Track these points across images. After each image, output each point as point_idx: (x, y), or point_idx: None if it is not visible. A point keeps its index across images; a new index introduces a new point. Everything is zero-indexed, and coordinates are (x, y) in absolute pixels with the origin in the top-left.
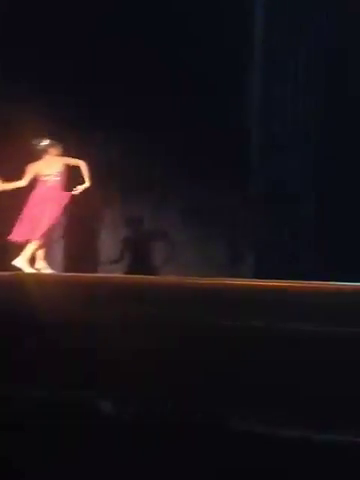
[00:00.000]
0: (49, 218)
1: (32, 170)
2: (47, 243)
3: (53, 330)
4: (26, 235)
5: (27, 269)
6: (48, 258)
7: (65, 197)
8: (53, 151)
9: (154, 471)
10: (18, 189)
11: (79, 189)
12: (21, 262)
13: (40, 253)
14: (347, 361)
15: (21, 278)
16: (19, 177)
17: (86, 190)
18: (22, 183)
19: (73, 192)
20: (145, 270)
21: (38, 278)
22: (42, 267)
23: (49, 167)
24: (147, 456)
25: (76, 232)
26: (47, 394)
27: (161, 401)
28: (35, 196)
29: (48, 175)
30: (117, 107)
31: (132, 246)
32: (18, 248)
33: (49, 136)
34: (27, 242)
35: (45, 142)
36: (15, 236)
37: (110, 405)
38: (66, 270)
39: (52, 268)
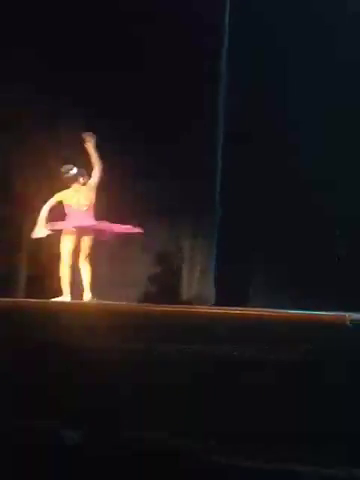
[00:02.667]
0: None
1: (59, 198)
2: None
3: None
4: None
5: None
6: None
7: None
8: (81, 180)
9: None
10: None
11: None
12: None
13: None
14: None
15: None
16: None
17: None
18: (45, 207)
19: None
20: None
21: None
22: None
23: (80, 196)
24: None
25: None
26: None
27: None
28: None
29: (80, 205)
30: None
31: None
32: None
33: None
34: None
35: (73, 171)
36: None
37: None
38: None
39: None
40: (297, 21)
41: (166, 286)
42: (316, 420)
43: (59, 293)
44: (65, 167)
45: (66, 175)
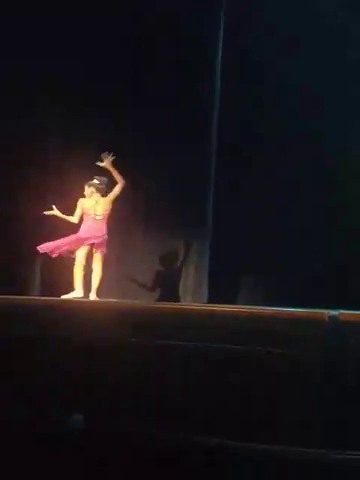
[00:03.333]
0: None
1: (81, 206)
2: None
3: None
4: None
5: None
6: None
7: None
8: (105, 191)
9: None
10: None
11: None
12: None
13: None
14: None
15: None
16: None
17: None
18: (74, 219)
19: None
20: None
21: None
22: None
23: (99, 205)
24: None
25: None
26: None
27: None
28: (84, 232)
29: (98, 213)
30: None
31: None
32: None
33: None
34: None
35: (105, 182)
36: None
37: None
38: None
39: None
40: (293, 34)
41: (162, 285)
42: (304, 409)
43: (70, 290)
44: (101, 178)
45: (99, 186)
